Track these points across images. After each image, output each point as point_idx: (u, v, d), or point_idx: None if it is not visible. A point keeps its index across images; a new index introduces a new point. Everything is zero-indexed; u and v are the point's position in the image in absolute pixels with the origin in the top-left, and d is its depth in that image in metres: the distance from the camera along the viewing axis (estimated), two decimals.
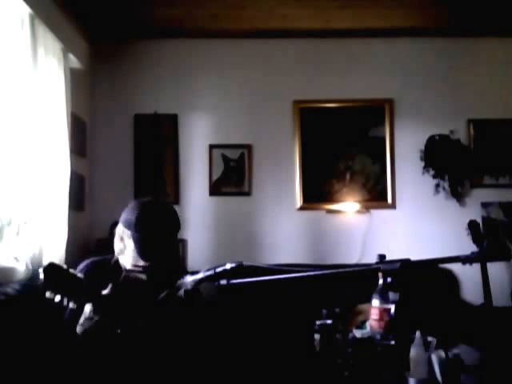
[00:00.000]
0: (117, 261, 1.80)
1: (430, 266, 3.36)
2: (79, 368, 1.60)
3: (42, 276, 1.50)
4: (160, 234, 1.74)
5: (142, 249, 1.72)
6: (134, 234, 1.73)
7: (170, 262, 1.78)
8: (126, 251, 1.75)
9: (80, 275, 1.58)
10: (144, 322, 1.60)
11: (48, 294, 1.49)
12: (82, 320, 1.58)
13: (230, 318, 1.86)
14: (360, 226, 3.93)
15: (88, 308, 1.56)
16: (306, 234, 3.96)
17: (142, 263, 1.73)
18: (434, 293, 3.48)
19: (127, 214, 1.77)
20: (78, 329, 1.57)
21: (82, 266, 1.81)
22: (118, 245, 1.78)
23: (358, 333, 1.98)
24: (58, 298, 1.49)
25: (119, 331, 1.55)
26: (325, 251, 3.91)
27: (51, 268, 1.52)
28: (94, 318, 1.55)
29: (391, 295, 1.92)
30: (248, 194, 3.99)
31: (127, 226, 1.75)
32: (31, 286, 2.49)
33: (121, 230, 1.77)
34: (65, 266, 1.56)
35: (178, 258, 2.94)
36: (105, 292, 1.57)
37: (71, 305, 1.50)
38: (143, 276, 1.74)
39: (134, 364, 1.61)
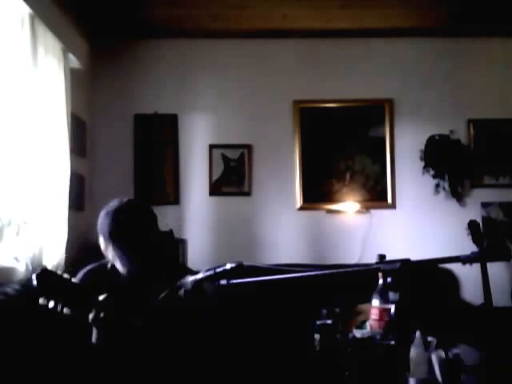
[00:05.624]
0: (113, 265, 1.81)
1: (430, 266, 3.36)
2: (82, 370, 1.60)
3: (34, 282, 1.48)
4: (139, 237, 1.74)
5: (128, 260, 1.74)
6: (114, 248, 1.74)
7: (159, 255, 1.79)
8: (116, 260, 1.77)
9: (74, 280, 1.57)
10: (144, 322, 1.60)
11: (41, 301, 1.48)
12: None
13: (230, 318, 1.86)
14: (360, 226, 3.93)
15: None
16: (305, 234, 3.96)
17: (134, 268, 1.75)
18: (434, 293, 3.48)
19: (102, 228, 1.76)
20: (93, 338, 1.57)
21: (79, 275, 1.81)
22: (107, 254, 1.80)
23: (358, 333, 1.98)
24: (51, 305, 1.48)
25: (119, 332, 1.54)
26: (325, 251, 3.91)
27: (44, 274, 1.51)
28: (93, 326, 1.54)
29: (391, 295, 1.92)
30: (248, 194, 3.99)
31: (106, 239, 1.76)
32: (31, 286, 2.49)
33: (103, 243, 1.78)
34: (59, 272, 1.55)
35: (166, 248, 2.93)
36: (103, 296, 1.56)
37: (65, 310, 1.48)
38: (140, 278, 1.75)
39: (135, 364, 1.61)
